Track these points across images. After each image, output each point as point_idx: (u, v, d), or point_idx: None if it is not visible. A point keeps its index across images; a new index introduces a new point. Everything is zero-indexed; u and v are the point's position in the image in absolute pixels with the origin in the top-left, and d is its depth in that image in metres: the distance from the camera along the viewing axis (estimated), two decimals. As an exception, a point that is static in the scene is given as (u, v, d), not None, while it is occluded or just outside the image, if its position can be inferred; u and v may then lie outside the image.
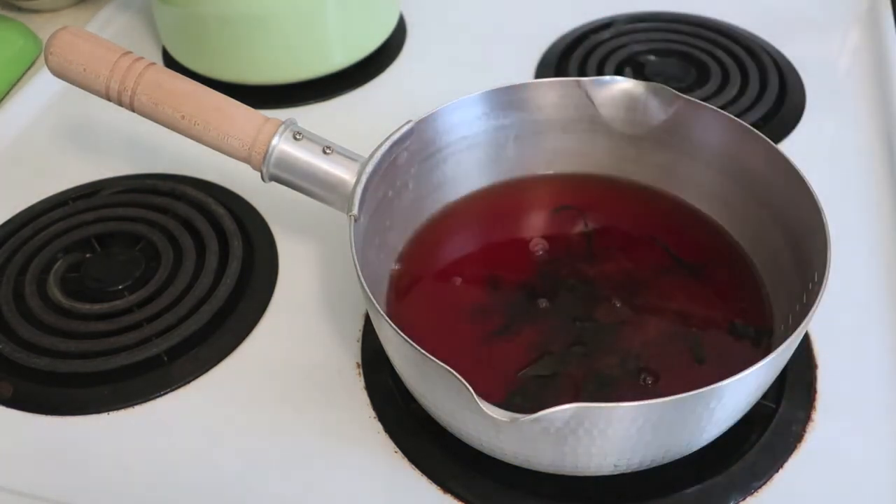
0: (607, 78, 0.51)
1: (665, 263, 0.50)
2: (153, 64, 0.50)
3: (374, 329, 0.46)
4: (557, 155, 0.55)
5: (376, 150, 0.47)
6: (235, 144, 0.48)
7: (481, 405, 0.36)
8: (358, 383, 0.49)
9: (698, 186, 0.52)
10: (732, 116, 0.49)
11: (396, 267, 0.50)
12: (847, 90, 0.69)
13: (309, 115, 0.65)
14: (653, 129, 0.52)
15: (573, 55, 0.72)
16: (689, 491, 0.43)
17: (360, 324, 0.52)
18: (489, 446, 0.41)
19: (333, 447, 0.46)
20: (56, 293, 0.53)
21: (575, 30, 0.76)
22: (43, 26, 0.80)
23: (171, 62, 0.73)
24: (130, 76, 0.49)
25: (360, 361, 0.50)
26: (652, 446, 0.39)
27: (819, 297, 0.40)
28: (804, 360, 0.49)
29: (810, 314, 0.39)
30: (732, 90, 0.68)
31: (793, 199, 0.46)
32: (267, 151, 0.48)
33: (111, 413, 0.48)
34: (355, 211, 0.45)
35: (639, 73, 0.70)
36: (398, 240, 0.51)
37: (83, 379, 0.49)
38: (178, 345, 0.51)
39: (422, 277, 0.50)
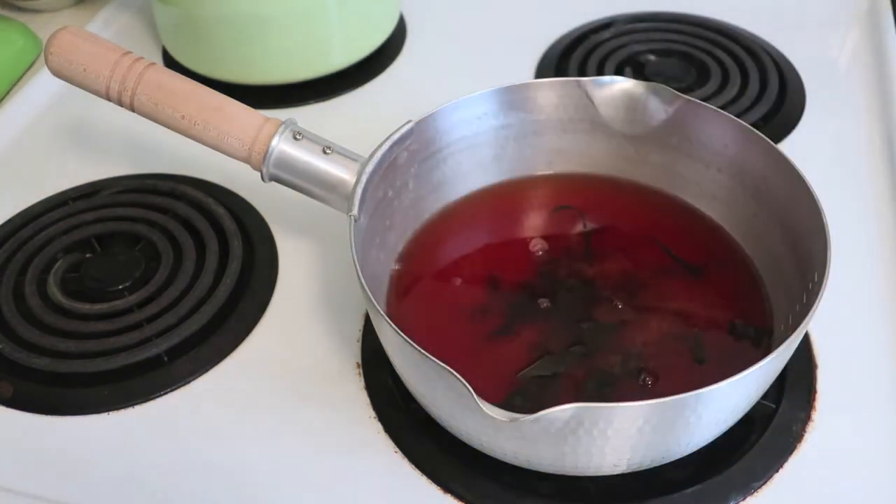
0: (607, 78, 0.52)
1: (665, 263, 0.50)
2: (153, 64, 0.50)
3: (374, 329, 0.46)
4: (557, 155, 0.55)
5: (376, 150, 0.47)
6: (235, 144, 0.48)
7: (481, 405, 0.36)
8: (358, 383, 0.49)
9: (698, 186, 0.52)
10: (732, 116, 0.49)
11: (396, 267, 0.50)
12: (847, 90, 0.69)
13: (309, 115, 0.66)
14: (653, 129, 0.52)
15: (573, 55, 0.72)
16: (688, 491, 0.43)
17: (360, 324, 0.52)
18: (489, 446, 0.41)
19: (333, 447, 0.46)
20: (56, 293, 0.53)
21: (575, 30, 0.76)
22: (43, 26, 0.80)
23: (171, 62, 0.73)
24: (131, 76, 0.49)
25: (360, 361, 0.50)
26: (652, 446, 0.39)
27: (819, 297, 0.40)
28: (804, 360, 0.49)
29: (810, 314, 0.39)
30: (732, 90, 0.68)
31: (793, 199, 0.46)
32: (267, 151, 0.48)
33: (111, 413, 0.48)
34: (355, 211, 0.45)
35: (639, 73, 0.70)
36: (398, 240, 0.51)
37: (83, 379, 0.49)
38: (179, 345, 0.51)
39: (422, 277, 0.50)
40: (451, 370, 0.36)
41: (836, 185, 0.60)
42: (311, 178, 0.48)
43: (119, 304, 0.53)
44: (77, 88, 0.51)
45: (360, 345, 0.51)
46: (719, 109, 0.50)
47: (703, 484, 0.44)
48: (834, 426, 0.46)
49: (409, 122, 0.49)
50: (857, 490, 0.44)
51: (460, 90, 0.51)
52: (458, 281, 0.50)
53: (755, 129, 0.48)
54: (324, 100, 0.70)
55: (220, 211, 0.58)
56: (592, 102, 0.52)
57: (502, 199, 0.54)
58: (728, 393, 0.38)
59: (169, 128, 0.50)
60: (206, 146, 0.49)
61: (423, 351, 0.37)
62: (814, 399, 0.48)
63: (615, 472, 0.41)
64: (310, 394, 0.49)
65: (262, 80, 0.69)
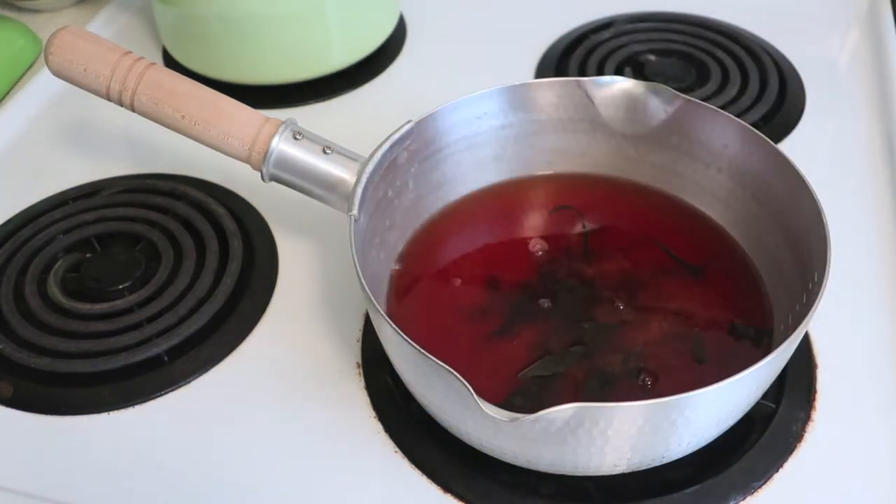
0: (607, 78, 0.52)
1: (665, 264, 0.50)
2: (153, 64, 0.50)
3: (374, 329, 0.46)
4: (557, 155, 0.55)
5: (376, 150, 0.47)
6: (235, 144, 0.48)
7: (481, 405, 0.36)
8: (358, 383, 0.49)
9: (698, 186, 0.52)
10: (732, 116, 0.49)
11: (396, 267, 0.50)
12: (847, 90, 0.69)
13: (309, 115, 0.65)
14: (653, 129, 0.52)
15: (573, 55, 0.72)
16: (688, 491, 0.43)
17: (360, 324, 0.52)
18: (489, 446, 0.41)
19: (333, 447, 0.46)
20: (56, 293, 0.54)
21: (575, 30, 0.76)
22: (43, 26, 0.80)
23: (171, 62, 0.73)
24: (131, 76, 0.49)
25: (360, 361, 0.50)
26: (652, 446, 0.39)
27: (819, 297, 0.40)
28: (804, 360, 0.49)
29: (810, 314, 0.39)
30: (732, 90, 0.68)
31: (793, 199, 0.46)
32: (267, 151, 0.48)
33: (111, 413, 0.48)
34: (355, 211, 0.45)
35: (639, 73, 0.70)
36: (398, 240, 0.51)
37: (83, 379, 0.49)
38: (179, 345, 0.51)
39: (422, 277, 0.50)
40: (451, 370, 0.36)
41: (836, 185, 0.60)
42: (311, 178, 0.48)
43: (119, 303, 0.53)
44: (77, 88, 0.51)
45: (360, 345, 0.51)
46: (719, 109, 0.50)
47: (703, 484, 0.44)
48: (834, 426, 0.46)
49: (409, 122, 0.49)
50: (857, 490, 0.44)
51: (460, 90, 0.51)
52: (458, 281, 0.50)
53: (755, 129, 0.48)
54: (324, 100, 0.70)
55: (221, 211, 0.58)
56: (592, 102, 0.52)
57: (502, 199, 0.54)
58: (728, 393, 0.38)
59: (169, 128, 0.50)
60: (206, 146, 0.49)
61: (423, 351, 0.37)
62: (814, 399, 0.48)
63: (615, 472, 0.41)
64: (310, 394, 0.49)
65: (262, 80, 0.69)
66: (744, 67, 0.70)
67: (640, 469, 0.41)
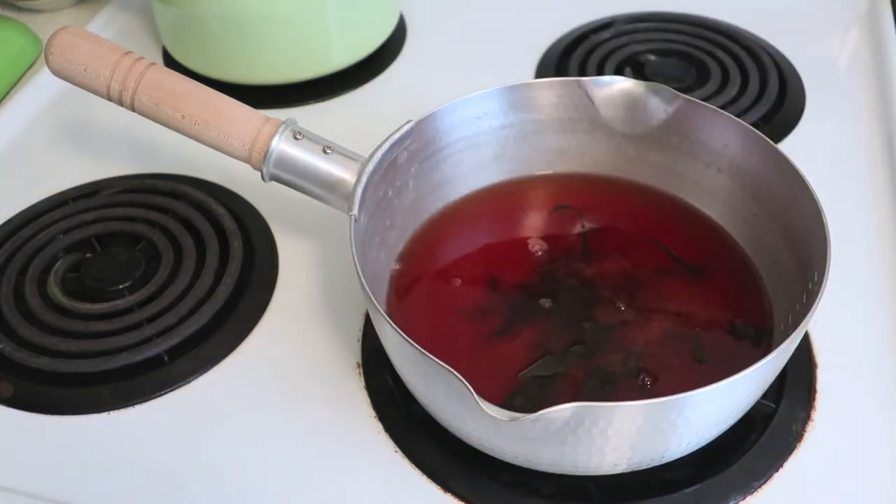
0: (607, 78, 0.52)
1: (665, 264, 0.50)
2: (154, 64, 0.50)
3: (374, 329, 0.46)
4: (557, 155, 0.55)
5: (376, 150, 0.47)
6: (236, 144, 0.48)
7: (481, 404, 0.36)
8: (358, 383, 0.49)
9: (698, 186, 0.52)
10: (732, 116, 0.49)
11: (396, 267, 0.50)
12: (847, 90, 0.69)
13: (309, 115, 0.65)
14: (653, 129, 0.52)
15: (573, 55, 0.72)
16: (688, 491, 0.43)
17: (360, 324, 0.52)
18: (489, 446, 0.41)
19: (333, 447, 0.46)
20: (56, 293, 0.53)
21: (575, 30, 0.76)
22: (43, 26, 0.80)
23: (171, 62, 0.73)
24: (131, 76, 0.49)
25: (360, 361, 0.50)
26: (652, 446, 0.39)
27: (819, 297, 0.40)
28: (804, 360, 0.49)
29: (810, 314, 0.39)
30: (732, 90, 0.68)
31: (793, 199, 0.46)
32: (267, 151, 0.48)
33: (111, 413, 0.48)
34: (355, 211, 0.45)
35: (639, 73, 0.70)
36: (398, 240, 0.51)
37: (83, 379, 0.49)
38: (179, 344, 0.51)
39: (422, 277, 0.50)
40: (452, 370, 0.36)
41: (836, 185, 0.60)
42: (311, 178, 0.48)
43: (119, 303, 0.53)
44: (77, 88, 0.51)
45: (360, 345, 0.51)
46: (719, 109, 0.50)
47: (703, 483, 0.44)
48: (834, 426, 0.46)
49: (409, 122, 0.49)
50: (857, 490, 0.44)
51: (460, 90, 0.51)
52: (458, 281, 0.50)
53: (755, 129, 0.48)
54: (324, 100, 0.70)
55: (221, 211, 0.58)
56: (592, 102, 0.52)
57: (502, 199, 0.54)
58: (728, 393, 0.38)
59: (169, 127, 0.50)
60: (206, 146, 0.49)
61: (423, 350, 0.37)
62: (814, 399, 0.48)
63: (615, 472, 0.41)
64: (310, 394, 0.49)
65: (262, 80, 0.69)
66: (744, 67, 0.70)
67: (640, 469, 0.41)
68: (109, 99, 0.50)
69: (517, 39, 0.75)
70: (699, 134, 0.51)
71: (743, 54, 0.71)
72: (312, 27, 0.67)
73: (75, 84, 0.50)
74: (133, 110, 0.50)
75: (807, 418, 0.47)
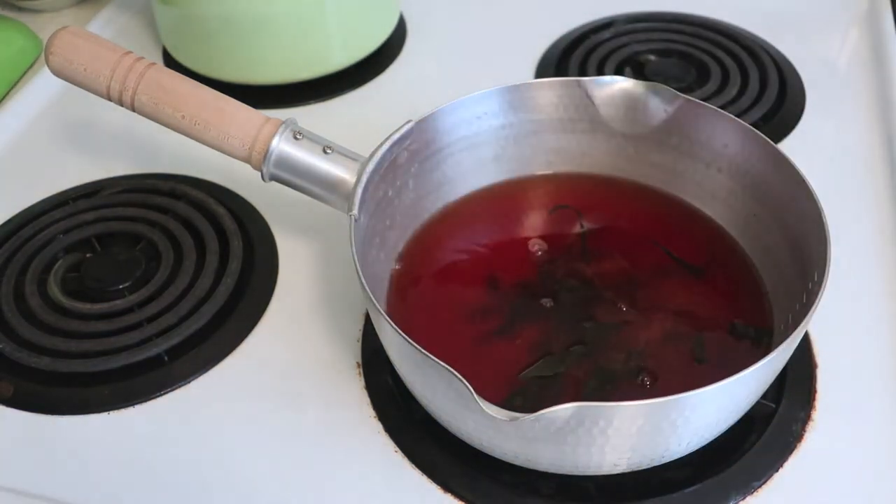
0: (607, 78, 0.52)
1: (665, 263, 0.50)
2: (154, 64, 0.50)
3: (374, 329, 0.46)
4: (557, 155, 0.55)
5: (376, 149, 0.47)
6: (236, 144, 0.48)
7: (481, 404, 0.36)
8: (358, 383, 0.49)
9: (698, 186, 0.52)
10: (732, 116, 0.49)
11: (397, 267, 0.50)
12: (847, 90, 0.69)
13: (309, 115, 0.66)
14: (653, 129, 0.52)
15: (573, 55, 0.72)
16: (688, 491, 0.43)
17: (360, 324, 0.52)
18: (489, 446, 0.41)
19: (333, 447, 0.46)
20: (56, 293, 0.54)
21: (575, 30, 0.76)
22: (43, 26, 0.80)
23: (171, 62, 0.73)
24: (131, 76, 0.49)
25: (360, 361, 0.50)
26: (652, 446, 0.39)
27: (819, 297, 0.40)
28: (804, 360, 0.49)
29: (810, 314, 0.39)
30: (732, 90, 0.68)
31: (793, 199, 0.46)
32: (267, 151, 0.48)
33: (111, 413, 0.48)
34: (355, 211, 0.45)
35: (639, 73, 0.70)
36: (398, 239, 0.51)
37: (83, 378, 0.49)
38: (179, 344, 0.51)
39: (422, 277, 0.50)
40: (452, 370, 0.36)
41: (836, 185, 0.60)
42: (311, 178, 0.48)
43: (119, 303, 0.53)
44: (77, 88, 0.51)
45: (360, 345, 0.51)
46: (719, 109, 0.50)
47: (703, 483, 0.44)
48: (834, 426, 0.46)
49: (409, 122, 0.49)
50: (857, 490, 0.44)
51: (460, 90, 0.51)
52: (458, 281, 0.50)
53: (755, 129, 0.48)
54: (324, 100, 0.70)
55: (221, 211, 0.58)
56: (592, 102, 0.52)
57: (502, 199, 0.54)
58: (727, 393, 0.38)
59: (169, 127, 0.50)
60: (206, 146, 0.49)
61: (423, 350, 0.37)
62: (814, 399, 0.48)
63: (615, 472, 0.41)
64: (310, 394, 0.49)
65: (262, 80, 0.69)
66: (744, 67, 0.70)
67: (640, 468, 0.41)
68: (109, 99, 0.50)
69: (517, 39, 0.75)
70: (699, 134, 0.51)
71: (743, 54, 0.71)
72: (312, 27, 0.67)
73: (75, 84, 0.50)
74: (133, 110, 0.50)
75: (807, 418, 0.47)
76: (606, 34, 0.75)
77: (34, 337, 0.51)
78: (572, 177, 0.55)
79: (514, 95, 0.52)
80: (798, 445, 0.46)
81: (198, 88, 0.49)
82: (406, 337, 0.38)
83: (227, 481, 0.45)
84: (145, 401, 0.49)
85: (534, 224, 0.54)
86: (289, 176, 0.48)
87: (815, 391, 0.48)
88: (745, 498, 0.43)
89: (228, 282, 0.54)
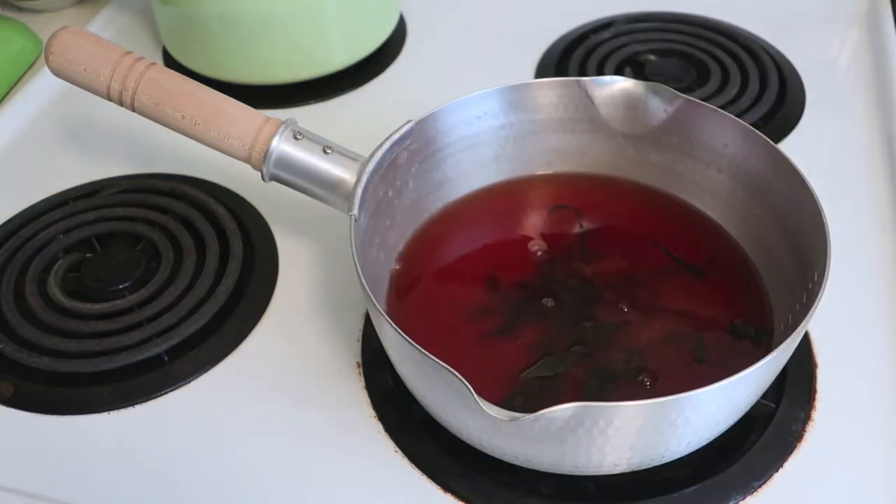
0: (607, 78, 0.52)
1: (665, 263, 0.50)
2: (154, 64, 0.50)
3: (374, 329, 0.46)
4: (557, 155, 0.55)
5: (376, 149, 0.47)
6: (236, 144, 0.48)
7: (481, 404, 0.36)
8: (358, 383, 0.49)
9: (698, 186, 0.52)
10: (732, 116, 0.49)
11: (397, 267, 0.50)
12: (847, 90, 0.69)
13: (309, 115, 0.65)
14: (653, 129, 0.52)
15: (573, 55, 0.72)
16: (688, 491, 0.43)
17: (360, 324, 0.52)
18: (489, 446, 0.41)
19: (333, 447, 0.46)
20: (56, 293, 0.53)
21: (575, 30, 0.76)
22: (43, 26, 0.80)
23: (171, 62, 0.73)
24: (131, 76, 0.49)
25: (360, 361, 0.50)
26: (652, 445, 0.39)
27: (819, 297, 0.40)
28: (804, 360, 0.49)
29: (810, 314, 0.39)
30: (732, 90, 0.68)
31: (793, 199, 0.46)
32: (267, 151, 0.48)
33: (111, 413, 0.48)
34: (355, 211, 0.45)
35: (639, 73, 0.70)
36: (398, 239, 0.51)
37: (84, 378, 0.49)
38: (179, 344, 0.51)
39: (422, 277, 0.50)
40: (452, 369, 0.36)
41: (836, 185, 0.60)
42: (311, 178, 0.48)
43: (119, 303, 0.53)
44: (77, 88, 0.51)
45: (360, 345, 0.51)
46: (719, 109, 0.50)
47: (703, 483, 0.44)
48: (834, 426, 0.46)
49: (409, 122, 0.49)
50: (857, 490, 0.44)
51: (460, 90, 0.51)
52: (459, 281, 0.50)
53: (755, 129, 0.48)
54: (324, 100, 0.70)
55: (221, 211, 0.58)
56: (592, 102, 0.52)
57: (502, 199, 0.54)
58: (727, 392, 0.38)
59: (169, 127, 0.50)
60: (206, 146, 0.49)
61: (423, 350, 0.37)
62: (814, 399, 0.48)
63: (615, 472, 0.41)
64: (310, 394, 0.49)
65: (262, 80, 0.69)
66: (744, 67, 0.70)
67: (641, 469, 0.41)
68: (109, 99, 0.50)
69: (517, 39, 0.75)
70: (699, 134, 0.51)
71: (743, 54, 0.71)
72: (312, 27, 0.67)
73: (75, 84, 0.50)
74: (133, 110, 0.50)
75: (807, 418, 0.47)
76: (606, 34, 0.75)
77: (34, 337, 0.51)
78: (572, 177, 0.55)
79: (514, 95, 0.52)
80: (798, 445, 0.46)
81: (198, 88, 0.49)
82: (406, 337, 0.38)
83: (227, 481, 0.45)
84: (145, 401, 0.49)
85: (534, 224, 0.54)
86: (289, 176, 0.48)
87: (815, 391, 0.48)
88: (745, 498, 0.43)
89: (228, 282, 0.54)
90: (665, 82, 0.51)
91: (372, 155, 0.47)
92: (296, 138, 0.48)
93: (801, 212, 0.45)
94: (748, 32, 0.75)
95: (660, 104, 0.51)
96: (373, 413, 0.48)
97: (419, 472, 0.45)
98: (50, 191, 0.62)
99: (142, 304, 0.53)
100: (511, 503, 0.43)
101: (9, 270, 0.55)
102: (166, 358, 0.50)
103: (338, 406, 0.48)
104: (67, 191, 0.62)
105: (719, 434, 0.42)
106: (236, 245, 0.56)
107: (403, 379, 0.44)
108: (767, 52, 0.72)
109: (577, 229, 0.53)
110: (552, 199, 0.55)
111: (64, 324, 0.51)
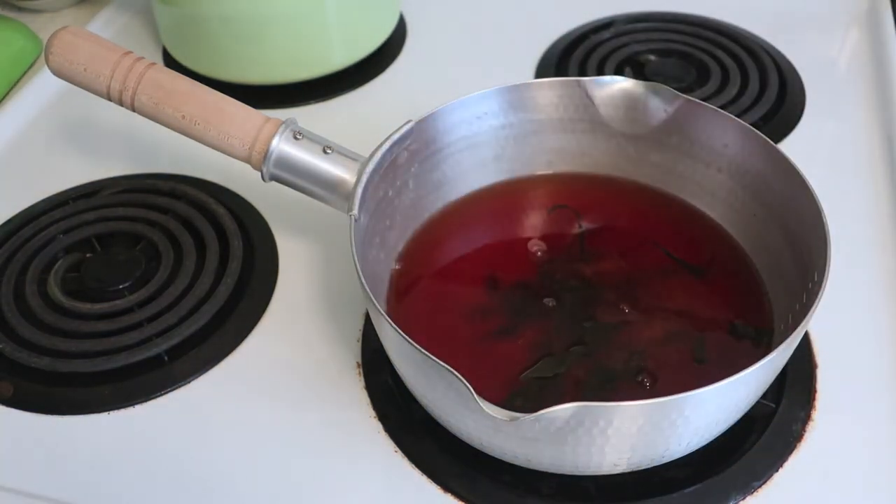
0: (607, 78, 0.52)
1: (665, 264, 0.50)
2: (154, 64, 0.50)
3: (374, 329, 0.46)
4: (557, 155, 0.55)
5: (376, 149, 0.47)
6: (236, 144, 0.48)
7: (481, 404, 0.36)
8: (358, 383, 0.49)
9: (698, 186, 0.52)
10: (732, 116, 0.49)
11: (397, 267, 0.50)
12: (847, 90, 0.69)
13: (309, 115, 0.66)
14: (653, 128, 0.52)
15: (573, 55, 0.72)
16: (688, 490, 0.43)
17: (360, 324, 0.52)
18: (489, 446, 0.41)
19: (333, 447, 0.46)
20: (56, 293, 0.53)
21: (575, 30, 0.76)
22: (43, 26, 0.80)
23: (171, 62, 0.73)
24: (131, 76, 0.49)
25: (360, 361, 0.50)
26: (652, 445, 0.39)
27: (819, 296, 0.40)
28: (804, 360, 0.49)
29: (810, 314, 0.39)
30: (732, 90, 0.68)
31: (793, 199, 0.46)
32: (267, 151, 0.48)
33: (111, 413, 0.48)
34: (355, 211, 0.45)
35: (639, 73, 0.70)
36: (398, 239, 0.51)
37: (84, 378, 0.49)
38: (179, 344, 0.51)
39: (422, 277, 0.50)
40: (452, 369, 0.36)
41: (836, 185, 0.60)
42: (311, 178, 0.48)
43: (119, 303, 0.53)
44: (77, 88, 0.51)
45: (360, 345, 0.51)
46: (719, 109, 0.50)
47: (703, 483, 0.44)
48: (834, 426, 0.46)
49: (409, 122, 0.49)
50: (857, 490, 0.44)
51: (460, 90, 0.51)
52: (459, 281, 0.50)
53: (755, 129, 0.48)
54: (324, 100, 0.70)
55: (221, 211, 0.58)
56: (592, 102, 0.52)
57: (502, 199, 0.54)
58: (727, 393, 0.38)
59: (169, 127, 0.50)
60: (206, 146, 0.49)
61: (423, 350, 0.37)
62: (814, 399, 0.48)
63: (615, 472, 0.41)
64: (310, 394, 0.49)
65: (262, 80, 0.69)
66: (744, 67, 0.70)
67: (641, 468, 0.41)
68: (109, 99, 0.50)
69: (517, 39, 0.75)
70: (699, 134, 0.51)
71: (743, 54, 0.71)
72: (312, 27, 0.67)
73: (75, 84, 0.50)
74: (133, 110, 0.50)
75: (807, 418, 0.47)
76: (606, 34, 0.75)
77: (34, 337, 0.51)
78: (572, 177, 0.55)
79: (514, 95, 0.52)
80: (798, 445, 0.46)
81: (198, 88, 0.49)
82: (406, 337, 0.38)
83: (227, 481, 0.45)
84: (145, 401, 0.49)
85: (534, 224, 0.54)
86: (289, 176, 0.48)
87: (815, 391, 0.48)
88: (745, 498, 0.43)
89: (228, 282, 0.54)
90: (665, 82, 0.51)
91: (372, 155, 0.47)
92: (296, 138, 0.48)
93: (801, 212, 0.45)
94: (748, 32, 0.75)
95: (660, 104, 0.51)
96: (373, 413, 0.48)
97: (419, 472, 0.45)
98: (50, 191, 0.62)
99: (142, 304, 0.53)
100: (511, 503, 0.43)
101: (9, 270, 0.55)
102: (166, 358, 0.50)
103: (338, 406, 0.48)
104: (67, 191, 0.62)
105: (719, 434, 0.42)
106: (236, 245, 0.56)
107: (403, 379, 0.44)
108: (767, 52, 0.72)
109: (576, 229, 0.53)
110: (552, 199, 0.55)
111: (64, 324, 0.51)
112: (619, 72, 0.70)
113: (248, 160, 0.49)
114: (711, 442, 0.42)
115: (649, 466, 0.42)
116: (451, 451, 0.45)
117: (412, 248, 0.51)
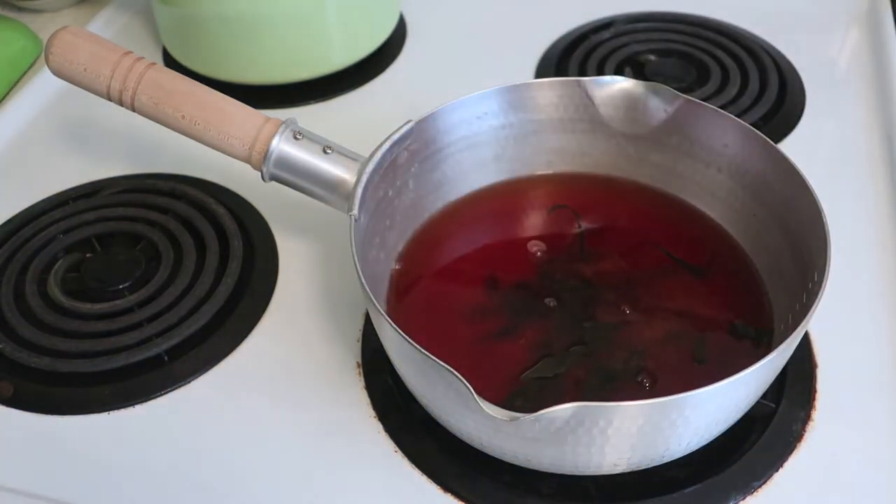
0: (607, 78, 0.52)
1: (665, 264, 0.50)
2: (154, 64, 0.50)
3: (374, 329, 0.46)
4: (557, 155, 0.55)
5: (376, 149, 0.47)
6: (236, 144, 0.48)
7: (481, 404, 0.36)
8: (358, 383, 0.49)
9: (698, 186, 0.52)
10: (732, 116, 0.49)
11: (397, 267, 0.50)
12: (847, 90, 0.69)
13: (309, 115, 0.65)
14: (653, 128, 0.52)
15: (573, 55, 0.72)
16: (688, 490, 0.43)
17: (360, 324, 0.52)
18: (489, 446, 0.41)
19: (333, 447, 0.46)
20: (57, 293, 0.53)
21: (575, 30, 0.76)
22: (43, 26, 0.80)
23: (171, 62, 0.73)
24: (131, 76, 0.49)
25: (360, 361, 0.50)
26: (651, 445, 0.39)
27: (819, 296, 0.40)
28: (804, 360, 0.49)
29: (810, 314, 0.39)
30: (732, 90, 0.68)
31: (793, 199, 0.46)
32: (267, 151, 0.48)
33: (111, 413, 0.48)
34: (355, 211, 0.45)
35: (639, 73, 0.70)
36: (398, 239, 0.51)
37: (84, 378, 0.49)
38: (179, 344, 0.51)
39: (422, 277, 0.50)
40: (452, 369, 0.36)
41: (836, 185, 0.60)
42: (311, 178, 0.48)
43: (119, 303, 0.53)
44: (77, 88, 0.51)
45: (360, 345, 0.51)
46: (719, 109, 0.50)
47: (703, 483, 0.44)
48: (834, 426, 0.46)
49: (409, 122, 0.49)
50: (857, 490, 0.44)
51: (460, 90, 0.51)
52: (458, 281, 0.50)
53: (755, 129, 0.48)
54: (324, 100, 0.70)
55: (221, 211, 0.58)
56: (592, 102, 0.52)
57: (502, 199, 0.54)
58: (728, 392, 0.38)
59: (169, 127, 0.50)
60: (206, 146, 0.49)
61: (423, 350, 0.37)
62: (814, 399, 0.48)
63: (615, 472, 0.41)
64: (310, 394, 0.49)
65: (262, 80, 0.69)
66: (744, 67, 0.70)
67: (640, 468, 0.41)
68: (109, 99, 0.50)
69: (517, 39, 0.75)
70: (699, 134, 0.51)
71: (743, 54, 0.71)
72: (312, 27, 0.67)
73: (75, 84, 0.50)
74: (133, 110, 0.50)
75: (807, 418, 0.47)
76: (606, 34, 0.75)
77: (34, 337, 0.51)
78: (572, 177, 0.55)
79: (514, 95, 0.52)
80: (798, 445, 0.46)
81: (198, 88, 0.49)
82: (406, 337, 0.38)
83: (227, 481, 0.45)
84: (145, 401, 0.49)
85: (534, 224, 0.54)
86: (289, 176, 0.48)
87: (815, 391, 0.48)
88: (745, 498, 0.43)
89: (228, 282, 0.54)
90: (665, 82, 0.51)
91: (372, 155, 0.47)
92: (296, 138, 0.48)
93: (801, 212, 0.45)
94: (748, 32, 0.75)
95: (660, 104, 0.51)
96: (373, 413, 0.48)
97: (419, 472, 0.45)
98: (50, 191, 0.62)
99: (142, 304, 0.53)
100: (511, 503, 0.43)
101: (9, 270, 0.55)
102: (166, 358, 0.50)
103: (337, 406, 0.48)
104: (67, 191, 0.62)
105: (719, 434, 0.42)
106: (236, 245, 0.56)
107: (403, 379, 0.44)
108: (767, 52, 0.72)
109: (576, 229, 0.53)
110: (552, 199, 0.55)
111: (64, 324, 0.51)
112: (619, 72, 0.70)
113: (248, 160, 0.49)
114: (711, 442, 0.42)
115: (649, 466, 0.42)
116: (450, 451, 0.45)
117: (412, 248, 0.51)
